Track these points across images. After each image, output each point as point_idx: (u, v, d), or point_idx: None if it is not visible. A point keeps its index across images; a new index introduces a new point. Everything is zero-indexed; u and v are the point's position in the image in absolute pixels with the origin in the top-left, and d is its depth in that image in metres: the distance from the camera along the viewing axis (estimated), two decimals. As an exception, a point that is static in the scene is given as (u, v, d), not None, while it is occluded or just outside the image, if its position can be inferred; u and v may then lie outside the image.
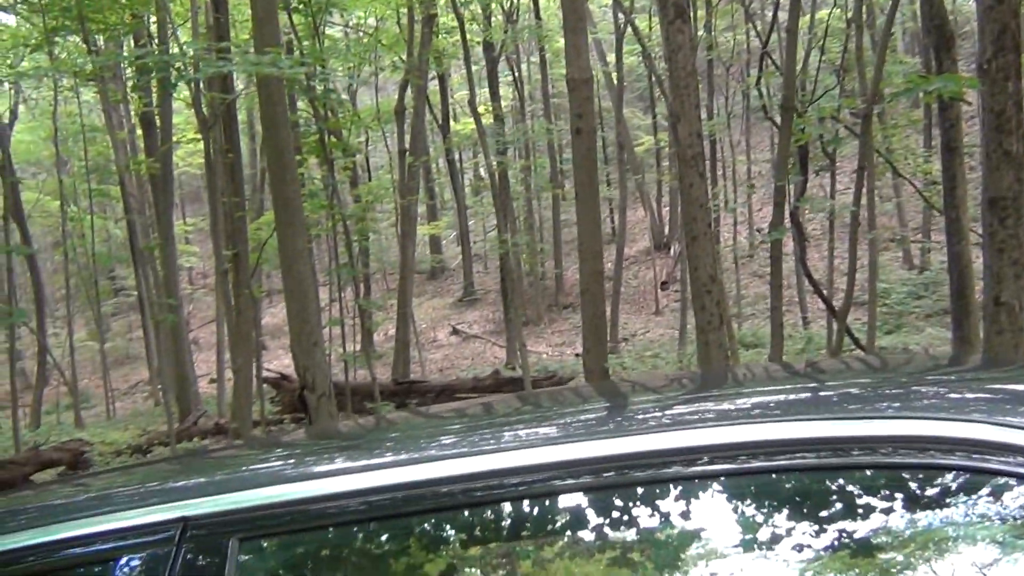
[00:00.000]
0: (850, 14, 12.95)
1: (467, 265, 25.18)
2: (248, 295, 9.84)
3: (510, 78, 23.52)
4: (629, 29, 17.22)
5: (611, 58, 22.52)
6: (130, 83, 16.16)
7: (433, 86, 21.28)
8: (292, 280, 6.28)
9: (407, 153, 15.53)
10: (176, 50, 8.83)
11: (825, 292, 11.87)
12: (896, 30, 21.77)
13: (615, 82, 21.02)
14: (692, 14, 12.85)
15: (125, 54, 13.18)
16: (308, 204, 8.94)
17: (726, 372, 3.03)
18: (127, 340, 26.02)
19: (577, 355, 14.90)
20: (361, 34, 21.20)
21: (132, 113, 18.28)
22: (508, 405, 2.05)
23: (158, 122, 14.71)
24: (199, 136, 10.97)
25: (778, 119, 8.30)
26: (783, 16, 11.41)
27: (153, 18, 13.63)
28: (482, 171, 27.81)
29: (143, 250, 15.42)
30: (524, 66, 26.02)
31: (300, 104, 14.92)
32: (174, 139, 18.05)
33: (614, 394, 1.94)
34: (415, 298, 19.36)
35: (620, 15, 18.70)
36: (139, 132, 16.61)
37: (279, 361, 19.01)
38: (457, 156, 25.48)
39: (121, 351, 25.34)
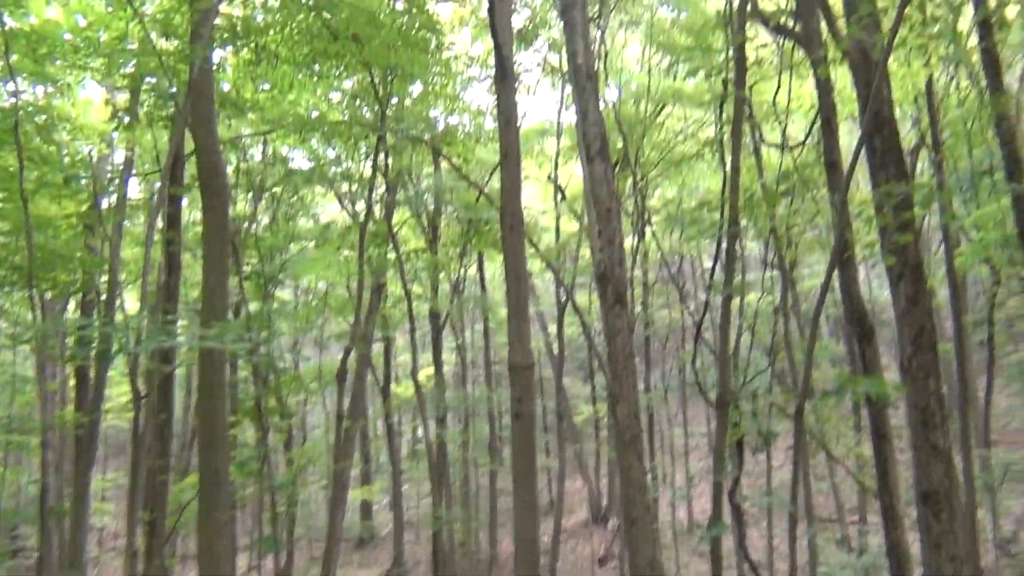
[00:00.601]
0: (777, 300, 13.74)
1: (398, 533, 24.03)
2: (160, 566, 9.16)
3: (454, 344, 24.02)
4: (570, 304, 18.01)
5: (552, 329, 23.34)
6: (69, 341, 15.96)
7: (377, 347, 21.56)
8: (208, 559, 5.88)
9: (345, 417, 15.35)
10: (121, 317, 8.86)
11: (765, 575, 11.54)
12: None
13: (555, 352, 21.62)
14: (630, 292, 13.55)
15: (68, 314, 13.12)
16: (237, 472, 8.62)
17: None
18: (17, 609, 23.60)
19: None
20: (311, 296, 21.78)
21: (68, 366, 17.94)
22: None
23: (92, 375, 14.39)
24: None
25: (712, 396, 8.50)
26: (716, 297, 12.03)
27: (104, 276, 13.79)
28: (420, 433, 27.53)
29: (53, 513, 14.47)
30: (468, 333, 26.71)
31: (240, 362, 14.84)
32: (108, 392, 17.60)
33: None
34: (340, 568, 18.23)
35: (562, 290, 19.64)
36: (72, 382, 16.19)
37: (186, 637, 17.38)
38: (396, 418, 25.28)
39: (7, 623, 22.89)
